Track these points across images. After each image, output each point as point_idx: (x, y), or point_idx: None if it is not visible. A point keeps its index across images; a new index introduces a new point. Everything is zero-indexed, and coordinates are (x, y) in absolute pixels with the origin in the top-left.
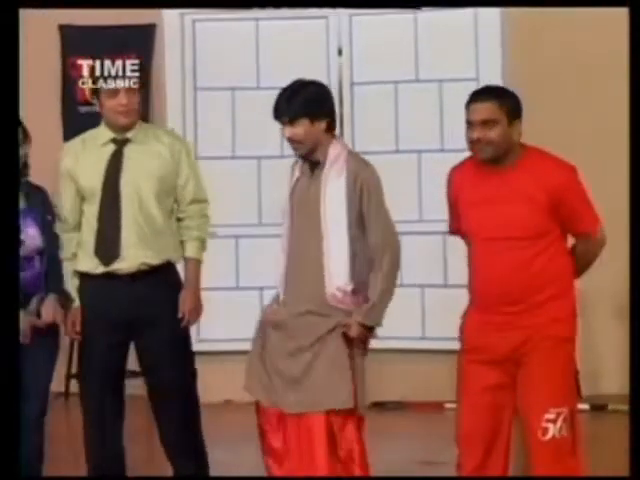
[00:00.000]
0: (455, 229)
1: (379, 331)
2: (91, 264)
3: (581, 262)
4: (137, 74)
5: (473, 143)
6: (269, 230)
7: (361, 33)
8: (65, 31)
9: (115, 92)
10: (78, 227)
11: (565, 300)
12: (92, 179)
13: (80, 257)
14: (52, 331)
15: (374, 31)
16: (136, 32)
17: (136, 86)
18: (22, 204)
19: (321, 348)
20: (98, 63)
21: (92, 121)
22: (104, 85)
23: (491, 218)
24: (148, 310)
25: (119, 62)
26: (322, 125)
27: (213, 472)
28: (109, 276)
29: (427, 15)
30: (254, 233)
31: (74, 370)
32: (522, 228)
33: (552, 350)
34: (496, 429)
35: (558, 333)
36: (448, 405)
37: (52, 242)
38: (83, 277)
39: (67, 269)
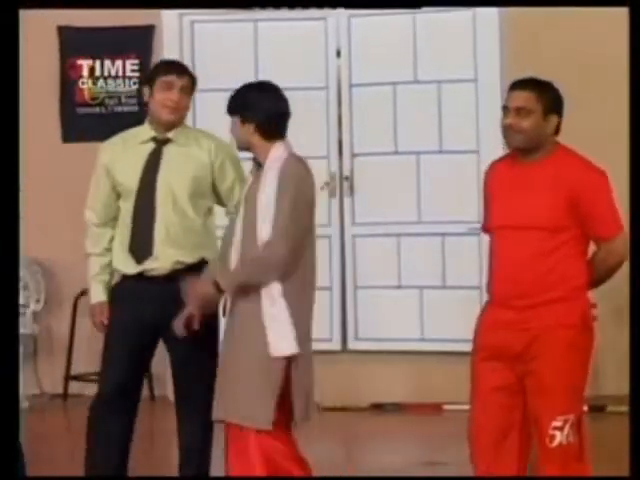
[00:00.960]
0: (488, 227)
1: (377, 332)
2: (127, 263)
3: (599, 272)
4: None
5: (505, 129)
6: None
7: (360, 34)
8: (64, 32)
9: (170, 85)
10: (110, 223)
11: (574, 305)
12: (129, 176)
13: (116, 254)
14: None
15: (373, 32)
16: (135, 33)
17: (192, 91)
18: None
19: (237, 355)
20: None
21: (91, 122)
22: (162, 75)
23: (512, 206)
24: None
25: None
26: (250, 127)
27: (213, 472)
28: (145, 277)
29: (426, 16)
30: None
31: (73, 372)
32: (540, 218)
33: (559, 357)
34: (506, 429)
35: (565, 339)
36: (446, 406)
37: None
38: (120, 276)
39: (96, 264)
